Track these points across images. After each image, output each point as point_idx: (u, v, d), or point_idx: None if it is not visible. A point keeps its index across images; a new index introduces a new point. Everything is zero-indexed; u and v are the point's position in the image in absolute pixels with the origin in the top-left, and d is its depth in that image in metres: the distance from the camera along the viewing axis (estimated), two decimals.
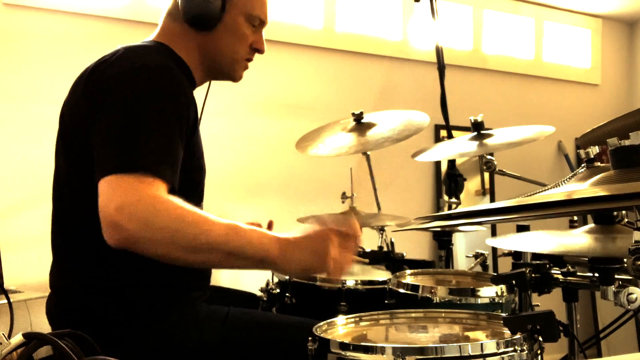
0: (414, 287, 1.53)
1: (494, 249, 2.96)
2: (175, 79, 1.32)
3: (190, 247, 1.15)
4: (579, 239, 1.37)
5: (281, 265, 1.23)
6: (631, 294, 1.04)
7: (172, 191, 1.19)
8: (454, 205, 2.45)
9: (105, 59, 1.36)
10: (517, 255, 1.59)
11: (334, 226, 1.27)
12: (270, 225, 1.58)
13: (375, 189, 2.37)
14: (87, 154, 1.25)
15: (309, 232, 1.25)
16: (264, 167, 2.96)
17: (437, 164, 3.44)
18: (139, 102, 1.24)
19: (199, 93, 1.55)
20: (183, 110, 1.30)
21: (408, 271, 1.74)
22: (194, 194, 1.41)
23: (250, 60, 1.55)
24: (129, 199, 1.12)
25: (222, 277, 2.62)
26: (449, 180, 2.51)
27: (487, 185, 3.54)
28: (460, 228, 2.35)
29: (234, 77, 1.55)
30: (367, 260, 1.88)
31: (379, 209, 2.37)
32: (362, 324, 1.27)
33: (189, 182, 1.23)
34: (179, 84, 1.33)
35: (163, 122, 1.24)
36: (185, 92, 1.34)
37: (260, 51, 1.54)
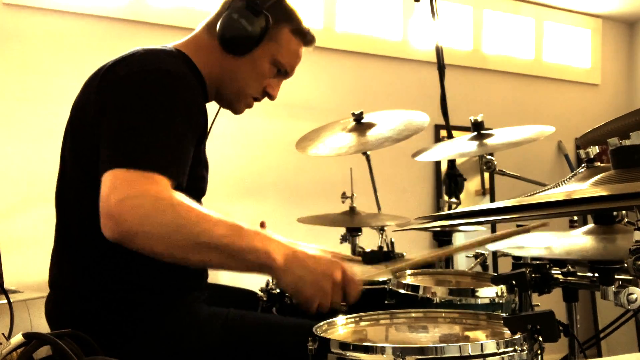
0: (414, 288, 1.53)
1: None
2: (190, 85, 1.32)
3: (189, 246, 1.13)
4: (579, 240, 1.36)
5: (278, 275, 1.19)
6: (631, 294, 1.04)
7: (178, 190, 1.18)
8: (454, 205, 2.44)
9: (122, 57, 1.35)
10: (517, 255, 1.59)
11: (346, 266, 1.23)
12: (262, 226, 1.57)
13: (375, 189, 2.37)
14: (95, 152, 1.24)
15: (319, 256, 1.22)
16: (264, 167, 2.96)
17: (437, 164, 3.44)
18: (152, 102, 1.24)
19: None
20: (195, 116, 1.30)
21: (408, 271, 1.74)
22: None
23: (257, 100, 1.55)
24: (132, 193, 1.11)
25: (222, 277, 2.62)
26: (449, 180, 2.51)
27: (487, 185, 3.55)
28: (460, 228, 2.35)
29: (236, 108, 1.56)
30: (359, 258, 1.87)
31: (379, 209, 2.37)
32: (362, 324, 1.26)
33: (192, 190, 1.22)
34: (194, 91, 1.32)
35: (174, 123, 1.24)
36: (199, 100, 1.35)
37: (271, 97, 1.55)
